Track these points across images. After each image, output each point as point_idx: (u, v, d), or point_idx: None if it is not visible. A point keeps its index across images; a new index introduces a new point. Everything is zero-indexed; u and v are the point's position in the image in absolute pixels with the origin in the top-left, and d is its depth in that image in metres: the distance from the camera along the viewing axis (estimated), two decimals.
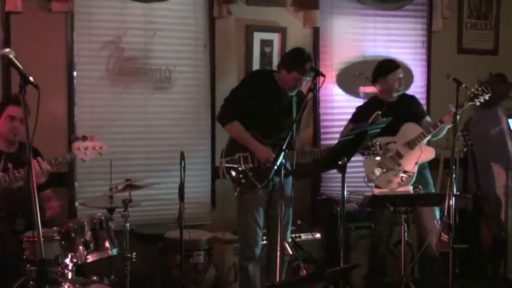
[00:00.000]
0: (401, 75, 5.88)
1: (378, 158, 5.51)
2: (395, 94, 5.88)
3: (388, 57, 6.44)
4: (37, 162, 4.44)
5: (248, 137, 5.19)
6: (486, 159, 6.25)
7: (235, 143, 5.23)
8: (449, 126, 5.66)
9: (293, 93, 5.28)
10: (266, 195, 5.23)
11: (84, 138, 4.63)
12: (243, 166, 5.17)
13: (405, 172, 5.68)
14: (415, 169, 5.72)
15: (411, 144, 5.72)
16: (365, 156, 5.34)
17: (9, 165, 4.78)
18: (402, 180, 5.70)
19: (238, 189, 5.17)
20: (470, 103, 5.60)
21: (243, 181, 5.15)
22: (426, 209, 5.72)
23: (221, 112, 5.35)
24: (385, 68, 5.89)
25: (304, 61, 5.14)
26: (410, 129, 5.78)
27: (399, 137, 5.74)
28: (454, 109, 5.33)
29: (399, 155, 5.74)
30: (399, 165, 5.73)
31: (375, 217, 5.98)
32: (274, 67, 5.89)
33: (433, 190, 5.94)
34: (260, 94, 5.23)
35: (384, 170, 5.75)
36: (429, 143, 5.97)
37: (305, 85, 5.18)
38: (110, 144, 4.81)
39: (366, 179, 5.87)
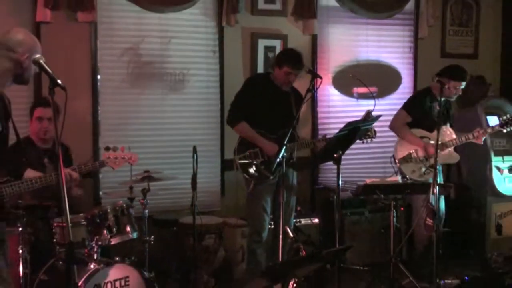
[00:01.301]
0: (463, 87, 5.80)
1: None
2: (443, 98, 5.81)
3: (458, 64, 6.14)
4: (68, 175, 4.32)
5: (255, 135, 5.22)
6: (467, 152, 6.24)
7: (245, 141, 5.26)
8: (475, 142, 5.78)
9: (288, 89, 5.29)
10: (274, 184, 5.25)
11: (115, 149, 4.60)
12: (254, 161, 5.20)
13: (431, 167, 5.65)
14: (439, 168, 5.73)
15: (443, 146, 5.71)
16: (362, 140, 5.34)
17: (45, 160, 4.80)
18: (424, 173, 5.70)
19: (252, 182, 5.17)
20: (500, 129, 5.76)
21: (256, 174, 5.17)
22: (418, 197, 5.70)
23: (229, 116, 5.38)
24: (458, 75, 5.77)
25: (292, 55, 5.17)
26: (446, 132, 5.78)
27: (434, 135, 5.61)
28: (487, 129, 5.73)
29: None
30: (427, 159, 5.74)
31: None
32: None
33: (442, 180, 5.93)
34: (260, 95, 5.26)
35: (413, 159, 5.76)
36: None
37: (303, 85, 5.19)
38: (137, 154, 4.70)
39: (392, 159, 5.86)
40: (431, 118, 5.68)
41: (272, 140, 5.18)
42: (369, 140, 5.41)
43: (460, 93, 5.80)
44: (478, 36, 7.47)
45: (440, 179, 5.85)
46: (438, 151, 5.57)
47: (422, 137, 5.78)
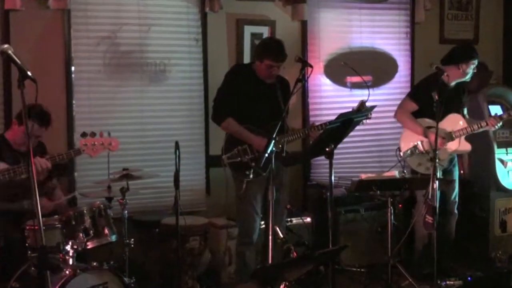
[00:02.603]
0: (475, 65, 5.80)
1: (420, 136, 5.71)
2: (453, 83, 5.80)
3: (465, 41, 6.27)
4: (37, 161, 4.33)
5: (243, 131, 5.20)
6: (470, 142, 6.24)
7: (232, 138, 5.23)
8: (492, 129, 5.81)
9: (272, 81, 5.27)
10: (265, 182, 5.22)
11: (93, 134, 4.55)
12: (244, 158, 5.17)
13: (438, 159, 5.64)
14: (448, 159, 5.72)
15: (452, 136, 5.71)
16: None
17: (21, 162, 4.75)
18: (431, 166, 5.68)
19: (245, 182, 5.15)
20: None
21: (247, 172, 5.14)
22: (420, 192, 5.71)
23: (213, 112, 5.35)
24: (469, 54, 5.81)
25: (272, 46, 5.15)
26: (453, 120, 5.76)
27: (442, 124, 5.65)
28: (503, 115, 5.71)
29: None
30: (435, 151, 5.72)
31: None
32: None
33: (456, 177, 5.95)
34: (242, 88, 5.24)
35: (416, 151, 5.76)
36: None
37: (292, 75, 5.16)
38: (117, 139, 4.70)
39: (398, 152, 5.86)
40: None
41: (261, 135, 5.15)
42: (365, 121, 5.35)
43: (475, 71, 5.81)
44: (478, 20, 7.47)
45: (455, 174, 5.86)
46: (446, 141, 5.60)
47: (428, 127, 5.76)
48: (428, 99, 5.53)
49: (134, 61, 6.08)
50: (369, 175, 5.53)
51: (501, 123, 5.76)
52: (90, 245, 4.62)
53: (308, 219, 6.18)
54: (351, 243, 6.02)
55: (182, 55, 6.25)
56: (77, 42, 5.86)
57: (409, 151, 5.77)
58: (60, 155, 4.44)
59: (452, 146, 5.75)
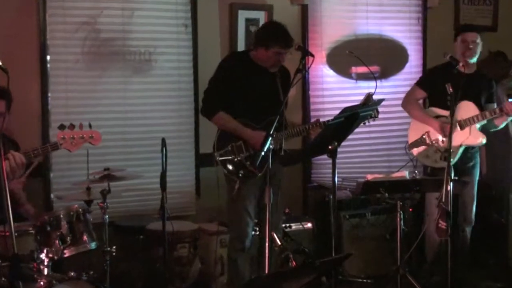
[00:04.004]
0: (475, 40, 5.78)
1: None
2: (468, 60, 5.77)
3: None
4: (11, 156, 4.32)
5: (237, 126, 5.19)
6: (486, 143, 6.25)
7: (225, 134, 5.22)
8: (509, 119, 5.75)
9: (275, 70, 5.27)
10: (260, 183, 5.22)
11: (72, 127, 4.52)
12: (238, 156, 5.17)
13: (446, 151, 5.66)
14: (459, 151, 5.72)
15: (462, 124, 5.69)
16: (363, 122, 5.34)
17: None
18: (440, 159, 5.67)
19: (238, 182, 5.15)
20: None
21: (241, 172, 5.14)
22: (430, 194, 5.71)
23: (203, 105, 5.33)
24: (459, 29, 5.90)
25: (281, 33, 5.15)
26: (465, 108, 5.71)
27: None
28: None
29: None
30: (443, 142, 5.74)
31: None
32: None
33: (476, 178, 5.94)
34: (239, 78, 5.22)
35: (426, 142, 5.80)
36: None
37: (291, 65, 5.17)
38: (99, 132, 4.63)
39: (406, 146, 5.91)
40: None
41: (258, 130, 5.15)
42: (371, 120, 5.38)
43: (474, 47, 5.77)
44: (497, 5, 7.49)
45: (475, 175, 5.87)
46: (457, 128, 5.60)
47: (437, 117, 5.78)
48: (437, 87, 5.57)
49: (116, 49, 6.07)
50: (376, 175, 5.53)
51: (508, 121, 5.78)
52: (67, 253, 4.59)
53: (309, 225, 6.18)
54: (356, 251, 6.03)
55: (170, 43, 6.25)
56: (53, 28, 5.85)
57: (415, 143, 5.83)
58: (36, 150, 4.41)
59: (460, 137, 5.73)
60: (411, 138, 5.91)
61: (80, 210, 4.75)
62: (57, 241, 4.55)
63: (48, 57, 5.85)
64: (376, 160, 6.91)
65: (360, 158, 6.86)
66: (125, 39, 6.10)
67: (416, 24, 7.14)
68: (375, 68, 6.59)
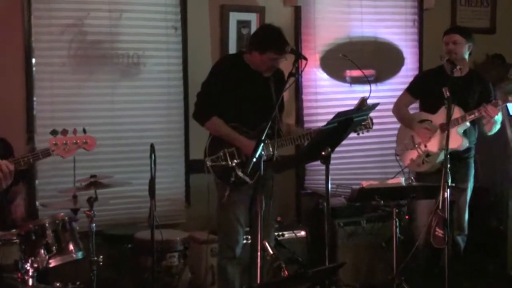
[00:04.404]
0: (456, 40, 5.80)
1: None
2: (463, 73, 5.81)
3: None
4: (5, 165, 4.27)
5: (230, 132, 5.18)
6: (484, 147, 6.26)
7: (218, 139, 5.21)
8: (498, 125, 5.77)
9: (270, 74, 5.27)
10: (251, 191, 5.22)
11: (65, 132, 4.50)
12: (230, 163, 5.16)
13: (428, 155, 5.71)
14: (440, 155, 5.72)
15: (443, 127, 5.72)
16: (357, 133, 5.35)
17: None
18: (423, 163, 5.79)
19: (228, 188, 5.15)
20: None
21: (232, 179, 5.14)
22: (421, 202, 5.73)
23: (196, 110, 5.33)
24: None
25: (277, 38, 5.15)
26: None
27: (436, 116, 5.77)
28: (500, 102, 5.62)
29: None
30: (425, 146, 5.80)
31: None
32: None
33: (470, 185, 5.95)
34: (232, 82, 5.22)
35: (410, 146, 5.87)
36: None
37: (283, 68, 5.17)
38: (94, 137, 4.59)
39: (396, 149, 6.01)
40: (438, 98, 5.70)
41: (251, 137, 5.15)
42: (365, 131, 5.40)
43: (453, 48, 5.78)
44: (495, 6, 7.51)
45: (470, 176, 5.89)
46: (435, 134, 5.69)
47: (422, 121, 5.84)
48: (427, 92, 5.60)
49: (103, 52, 6.07)
50: (372, 182, 5.53)
51: (500, 113, 5.76)
52: (52, 263, 4.60)
53: (302, 233, 6.18)
54: (351, 260, 6.03)
55: (159, 46, 6.25)
56: (38, 31, 5.84)
57: (402, 148, 5.94)
58: (25, 157, 4.38)
59: (441, 141, 5.73)
60: (399, 143, 6.02)
61: (66, 218, 4.75)
62: (42, 251, 4.55)
63: (33, 60, 5.84)
64: (371, 166, 6.91)
65: (354, 164, 6.87)
66: (113, 42, 6.10)
67: (412, 26, 7.15)
68: (370, 72, 6.62)
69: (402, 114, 6.05)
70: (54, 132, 4.42)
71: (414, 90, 6.03)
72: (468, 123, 5.72)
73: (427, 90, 5.85)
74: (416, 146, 5.87)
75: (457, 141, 5.75)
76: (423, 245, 5.59)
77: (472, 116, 5.67)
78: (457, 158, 5.72)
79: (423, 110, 6.01)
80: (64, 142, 4.43)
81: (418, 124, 5.87)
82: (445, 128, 5.57)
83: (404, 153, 5.95)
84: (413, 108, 6.24)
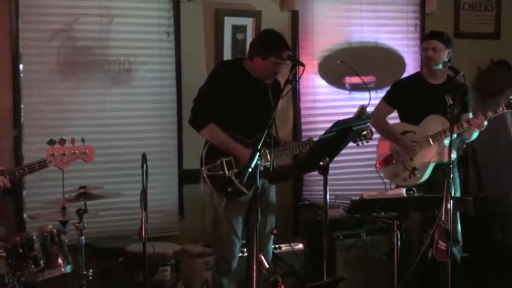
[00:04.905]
0: (436, 47, 5.79)
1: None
2: (430, 69, 5.83)
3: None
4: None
5: (228, 140, 5.18)
6: (489, 156, 6.28)
7: (214, 148, 5.22)
8: (478, 131, 5.74)
9: (270, 81, 5.29)
10: (247, 202, 5.23)
11: (63, 142, 4.50)
12: (227, 172, 5.16)
13: (414, 169, 5.71)
14: (428, 168, 5.74)
15: (431, 140, 5.73)
16: (356, 143, 5.36)
17: None
18: (409, 177, 5.77)
19: (224, 199, 5.15)
20: (507, 110, 5.71)
21: (229, 189, 5.14)
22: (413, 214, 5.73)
23: (192, 116, 5.32)
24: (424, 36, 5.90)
25: (280, 43, 5.16)
26: (434, 122, 5.76)
27: (420, 128, 5.77)
28: (487, 113, 5.57)
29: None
30: (411, 159, 5.78)
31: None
32: None
33: (458, 194, 5.93)
34: (232, 88, 5.22)
35: (394, 160, 5.84)
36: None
37: (280, 74, 5.19)
38: (93, 147, 4.69)
39: (377, 165, 5.97)
40: (418, 108, 5.71)
41: (249, 146, 5.15)
42: (364, 141, 5.41)
43: (432, 55, 5.77)
44: (500, 11, 7.53)
45: (456, 186, 5.86)
46: (424, 147, 5.67)
47: (405, 132, 5.83)
48: (404, 101, 5.58)
49: (93, 58, 6.08)
50: (372, 193, 5.54)
51: (486, 122, 5.76)
52: (40, 277, 4.60)
53: (300, 246, 6.18)
54: (350, 274, 6.01)
55: (151, 52, 6.26)
56: (26, 36, 5.85)
57: (383, 162, 5.89)
58: (21, 168, 4.38)
59: (429, 153, 5.76)
60: (379, 157, 5.95)
61: (55, 231, 4.75)
62: (29, 264, 4.55)
63: (21, 67, 5.85)
64: (371, 176, 6.85)
65: (354, 174, 6.87)
66: (103, 48, 6.11)
67: (414, 31, 7.17)
68: (370, 78, 6.63)
69: (382, 127, 5.97)
70: (51, 142, 4.43)
71: (391, 99, 5.97)
72: (455, 134, 5.72)
73: (405, 99, 5.81)
74: (401, 160, 5.84)
75: (447, 153, 5.76)
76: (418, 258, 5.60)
77: (462, 129, 5.68)
78: (441, 169, 5.74)
79: (403, 121, 5.96)
80: (62, 152, 4.44)
81: (402, 137, 5.82)
82: (432, 140, 5.63)
83: (386, 167, 5.90)
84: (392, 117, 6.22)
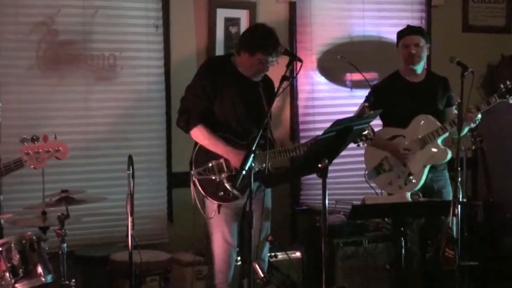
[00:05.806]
0: (419, 43, 5.78)
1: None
2: (412, 67, 5.82)
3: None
4: None
5: (218, 142, 5.17)
6: (499, 158, 6.29)
7: (205, 150, 5.21)
8: (468, 127, 5.72)
9: (259, 79, 5.28)
10: (241, 207, 5.22)
11: (36, 139, 4.49)
12: (219, 176, 5.16)
13: (409, 175, 5.70)
14: (424, 172, 5.75)
15: (422, 142, 5.74)
16: (357, 144, 5.36)
17: None
18: (405, 184, 5.75)
19: (217, 205, 5.15)
20: (500, 100, 5.65)
21: (220, 193, 5.13)
22: None
23: (180, 116, 5.31)
24: (398, 33, 5.88)
25: (268, 38, 5.16)
26: (423, 123, 5.77)
27: (409, 131, 5.76)
28: (481, 106, 5.54)
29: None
30: (405, 165, 5.76)
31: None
32: None
33: (450, 197, 5.94)
34: (221, 86, 5.22)
35: (386, 168, 5.80)
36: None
37: (276, 70, 5.18)
38: (66, 144, 4.67)
39: (366, 174, 5.92)
40: (402, 109, 5.70)
41: (241, 148, 5.15)
42: (365, 142, 5.40)
43: (416, 51, 5.77)
44: (511, 3, 7.53)
45: (448, 189, 5.87)
46: (418, 148, 5.67)
47: (393, 137, 5.83)
48: (387, 104, 5.56)
49: (76, 53, 6.09)
50: (375, 198, 5.55)
51: (479, 116, 5.76)
52: (19, 287, 4.59)
53: (297, 254, 6.18)
54: (350, 284, 6.03)
55: (138, 46, 6.27)
56: (3, 30, 5.86)
57: (374, 171, 5.85)
58: None
59: (423, 156, 5.75)
60: (369, 166, 5.91)
61: (34, 237, 4.74)
62: (7, 274, 4.55)
63: None
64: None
65: (355, 177, 6.82)
66: (86, 42, 6.11)
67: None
68: (372, 75, 6.63)
69: None
70: (24, 140, 4.42)
71: (372, 105, 5.89)
72: (447, 132, 5.73)
73: (387, 103, 5.74)
74: (396, 167, 5.82)
75: (442, 153, 5.79)
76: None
77: (454, 125, 5.61)
78: (432, 170, 5.76)
79: (387, 125, 5.93)
80: (36, 150, 4.45)
81: (391, 143, 5.80)
82: (424, 142, 5.63)
83: (378, 177, 5.87)
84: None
